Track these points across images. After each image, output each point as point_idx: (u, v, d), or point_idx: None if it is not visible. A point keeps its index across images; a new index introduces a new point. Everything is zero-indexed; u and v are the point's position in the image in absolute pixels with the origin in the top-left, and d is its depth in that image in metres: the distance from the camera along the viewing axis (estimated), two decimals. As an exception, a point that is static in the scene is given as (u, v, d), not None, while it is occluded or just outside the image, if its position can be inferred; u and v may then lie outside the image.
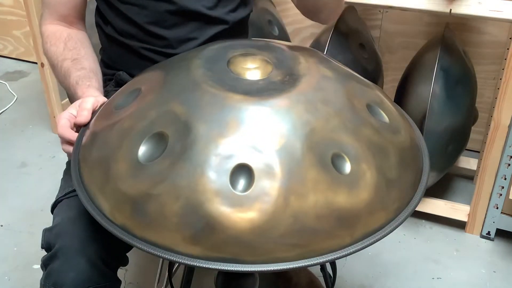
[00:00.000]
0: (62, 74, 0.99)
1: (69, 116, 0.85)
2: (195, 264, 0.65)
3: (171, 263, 1.17)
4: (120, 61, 1.12)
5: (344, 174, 0.69)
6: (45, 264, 0.86)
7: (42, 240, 0.87)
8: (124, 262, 0.92)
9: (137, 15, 1.04)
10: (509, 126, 1.46)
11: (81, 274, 0.82)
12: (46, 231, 0.88)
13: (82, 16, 1.10)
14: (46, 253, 0.87)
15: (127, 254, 0.93)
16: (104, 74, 1.16)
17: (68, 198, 0.91)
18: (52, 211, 0.93)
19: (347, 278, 1.51)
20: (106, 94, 1.11)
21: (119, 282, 0.91)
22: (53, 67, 1.02)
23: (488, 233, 1.63)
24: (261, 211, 0.64)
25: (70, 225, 0.85)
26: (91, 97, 0.89)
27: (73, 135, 0.83)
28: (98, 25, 1.13)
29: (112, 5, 1.06)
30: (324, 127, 0.71)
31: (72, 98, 0.98)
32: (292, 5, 1.07)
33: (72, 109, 0.87)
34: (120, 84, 1.07)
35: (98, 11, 1.12)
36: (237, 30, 1.11)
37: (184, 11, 1.04)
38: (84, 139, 0.82)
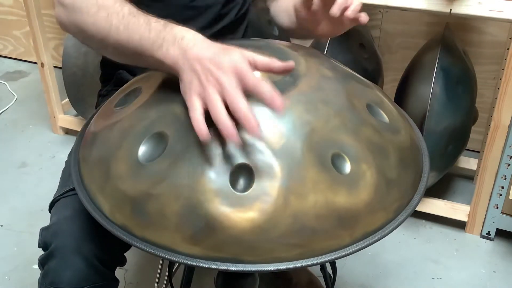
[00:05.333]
0: (126, 11, 0.75)
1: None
2: (195, 264, 0.65)
3: (171, 263, 1.17)
4: None
5: (344, 174, 0.69)
6: (42, 263, 0.86)
7: (39, 239, 0.87)
8: (122, 262, 0.92)
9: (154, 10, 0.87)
10: (509, 126, 1.46)
11: (78, 273, 0.82)
12: (43, 230, 0.88)
13: None
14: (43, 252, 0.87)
15: (126, 254, 0.92)
16: (104, 74, 1.16)
17: (65, 197, 0.91)
18: (50, 210, 0.93)
19: (347, 278, 1.51)
20: (107, 93, 1.12)
21: (117, 281, 0.91)
22: (104, 8, 0.76)
23: (488, 233, 1.63)
24: (261, 211, 0.64)
25: (66, 224, 0.85)
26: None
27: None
28: None
29: None
30: (324, 127, 0.71)
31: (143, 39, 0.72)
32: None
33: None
34: (120, 83, 1.06)
35: None
36: (238, 25, 1.11)
37: (199, 7, 1.02)
38: (84, 139, 0.82)
